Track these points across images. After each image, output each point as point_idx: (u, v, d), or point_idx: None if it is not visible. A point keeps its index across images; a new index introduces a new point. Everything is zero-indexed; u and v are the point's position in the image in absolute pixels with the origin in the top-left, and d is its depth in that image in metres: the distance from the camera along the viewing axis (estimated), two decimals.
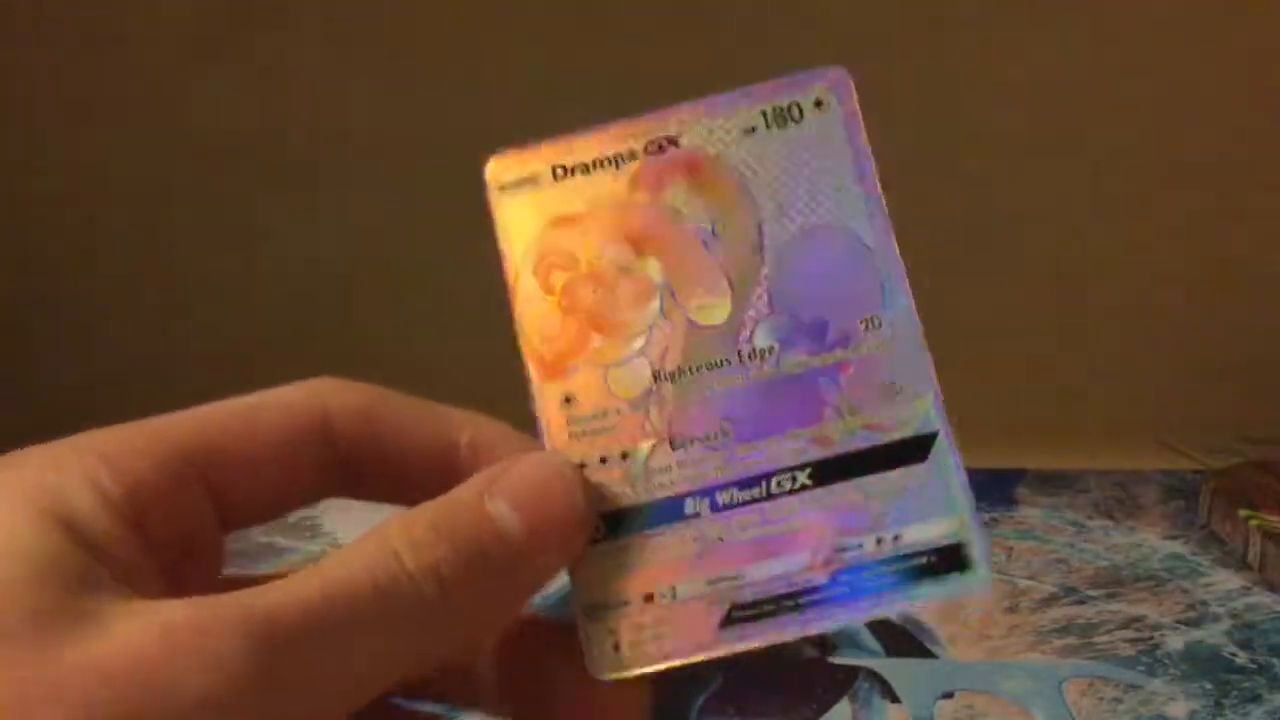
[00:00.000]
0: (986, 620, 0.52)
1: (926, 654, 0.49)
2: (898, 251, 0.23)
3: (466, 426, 0.23)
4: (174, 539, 0.20)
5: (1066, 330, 0.73)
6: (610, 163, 0.23)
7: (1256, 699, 0.46)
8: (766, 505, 0.22)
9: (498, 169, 0.24)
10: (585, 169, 0.23)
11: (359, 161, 0.71)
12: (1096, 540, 0.59)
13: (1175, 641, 0.50)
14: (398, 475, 0.23)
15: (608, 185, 0.23)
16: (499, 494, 0.20)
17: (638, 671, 0.22)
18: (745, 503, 0.22)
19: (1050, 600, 0.53)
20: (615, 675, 0.22)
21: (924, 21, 0.67)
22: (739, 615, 0.22)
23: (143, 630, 0.17)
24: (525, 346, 0.23)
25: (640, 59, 0.67)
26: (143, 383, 0.73)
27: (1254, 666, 0.48)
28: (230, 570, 0.23)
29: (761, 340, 0.23)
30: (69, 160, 0.71)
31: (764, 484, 0.22)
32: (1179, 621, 0.52)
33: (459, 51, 0.68)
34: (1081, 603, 0.53)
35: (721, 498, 0.22)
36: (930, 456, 0.22)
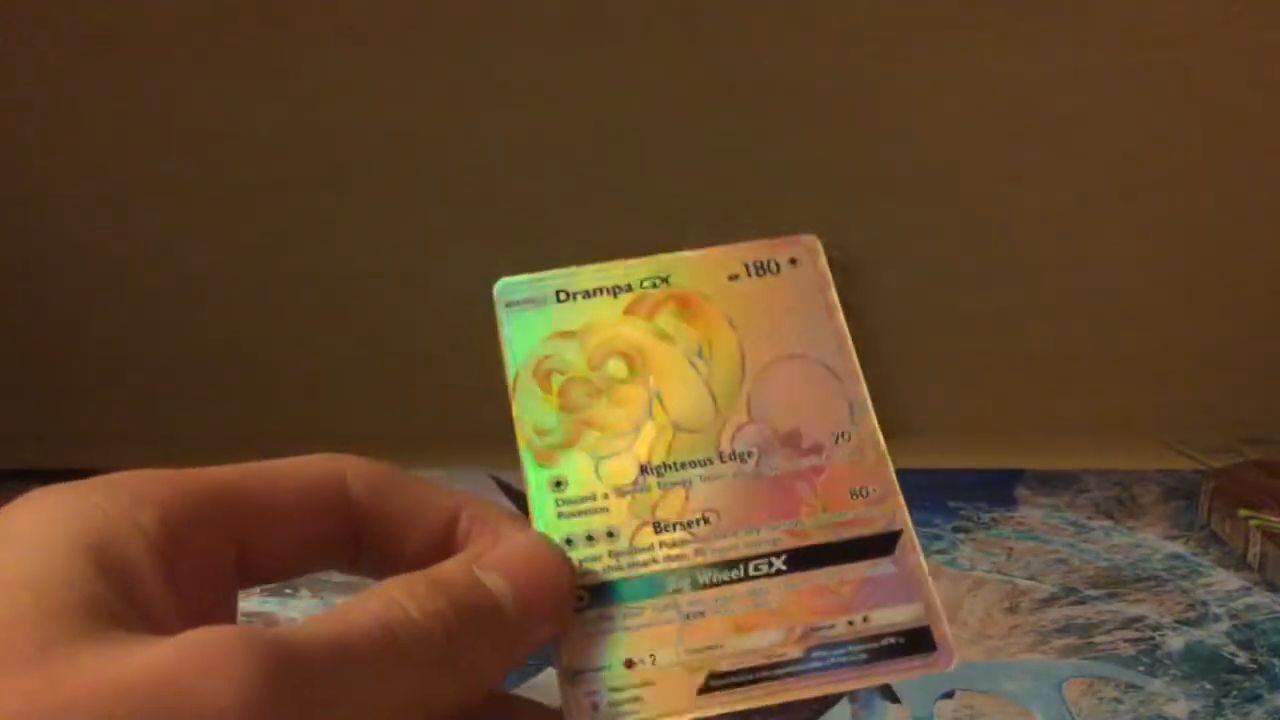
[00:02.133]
0: (986, 620, 0.52)
1: None
2: (863, 377, 0.25)
3: (466, 506, 0.24)
4: (199, 588, 0.21)
5: (1067, 330, 0.73)
6: (609, 292, 0.26)
7: (1256, 699, 0.46)
8: (744, 586, 0.24)
9: (506, 289, 0.26)
10: (586, 294, 0.26)
11: (362, 162, 0.71)
12: (1096, 540, 0.59)
13: (1175, 641, 0.50)
14: (400, 551, 0.24)
15: (605, 310, 0.26)
16: (488, 565, 0.22)
17: None
18: (724, 583, 0.24)
19: (1050, 600, 0.53)
20: None
21: (924, 20, 0.67)
22: (716, 683, 0.23)
23: (162, 650, 0.17)
24: (520, 437, 0.25)
25: (637, 71, 0.67)
26: (143, 383, 0.73)
27: (1254, 666, 0.48)
28: None
29: (741, 445, 0.25)
30: (68, 160, 0.71)
31: (742, 567, 0.24)
32: (1179, 621, 0.52)
33: (466, 54, 0.68)
34: (1081, 603, 0.53)
35: (701, 577, 0.24)
36: (896, 551, 0.24)
